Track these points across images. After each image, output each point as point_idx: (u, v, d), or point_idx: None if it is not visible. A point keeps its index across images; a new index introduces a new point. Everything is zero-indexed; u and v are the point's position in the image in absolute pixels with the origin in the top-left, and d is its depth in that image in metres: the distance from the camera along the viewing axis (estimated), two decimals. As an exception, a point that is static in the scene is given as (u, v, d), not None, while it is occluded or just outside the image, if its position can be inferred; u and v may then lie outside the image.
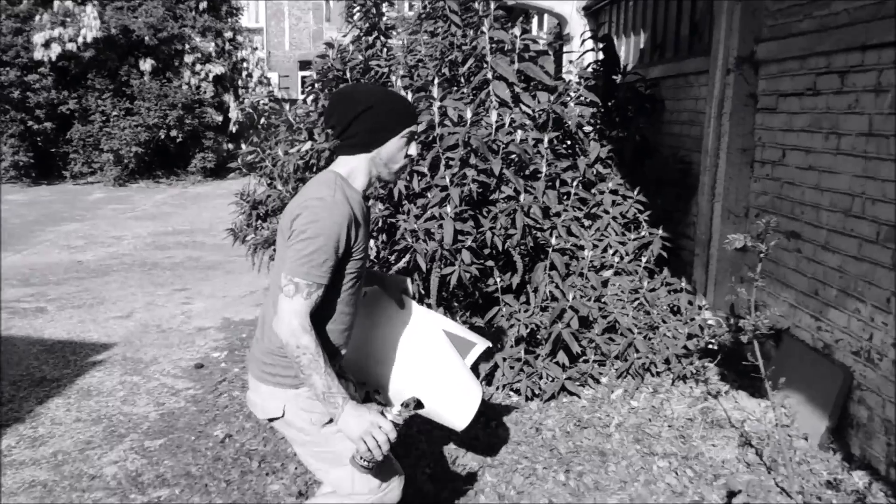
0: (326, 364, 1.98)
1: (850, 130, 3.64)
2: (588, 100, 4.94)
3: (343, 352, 2.24)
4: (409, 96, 4.11)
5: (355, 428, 1.98)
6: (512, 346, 4.25)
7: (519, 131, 4.16)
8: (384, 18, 5.12)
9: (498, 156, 4.00)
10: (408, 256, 4.13)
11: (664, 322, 4.69)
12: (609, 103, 6.42)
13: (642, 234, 5.14)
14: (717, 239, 5.02)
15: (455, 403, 2.42)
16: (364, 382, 2.55)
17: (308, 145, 4.64)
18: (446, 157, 4.06)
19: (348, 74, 4.83)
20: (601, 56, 6.90)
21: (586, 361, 4.49)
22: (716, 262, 5.04)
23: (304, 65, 28.29)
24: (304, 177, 4.75)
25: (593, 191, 5.42)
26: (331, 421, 2.11)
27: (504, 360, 4.23)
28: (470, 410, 2.40)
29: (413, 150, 2.22)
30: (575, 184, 4.70)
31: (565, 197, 4.69)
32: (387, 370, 2.47)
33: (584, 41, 8.07)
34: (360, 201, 2.14)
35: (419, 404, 2.30)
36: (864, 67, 3.51)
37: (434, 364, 2.47)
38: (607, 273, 4.83)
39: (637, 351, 4.49)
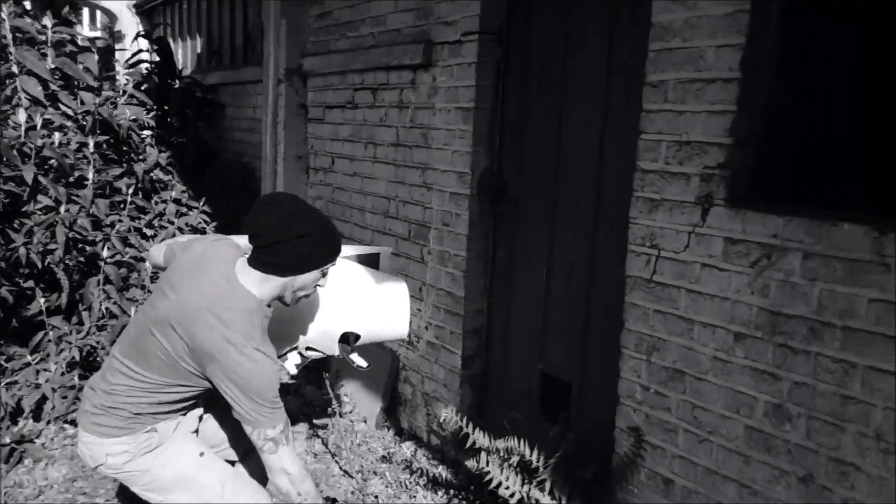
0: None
1: (383, 141, 4.14)
2: (140, 101, 4.68)
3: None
4: None
5: None
6: (63, 374, 3.81)
7: (57, 134, 3.75)
8: None
9: (31, 161, 3.54)
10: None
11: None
12: (166, 107, 6.20)
13: (208, 240, 5.08)
14: (281, 242, 5.23)
15: (388, 313, 2.44)
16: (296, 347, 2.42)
17: None
18: (-39, 160, 3.44)
19: None
20: (157, 58, 6.61)
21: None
22: (281, 264, 5.24)
23: None
24: None
25: (155, 199, 5.18)
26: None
27: (54, 389, 3.76)
28: (404, 313, 2.46)
29: (325, 280, 2.15)
30: (131, 191, 4.42)
31: (121, 206, 4.38)
32: (314, 322, 2.36)
33: (135, 40, 7.60)
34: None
35: (356, 337, 2.31)
36: (390, 86, 4.03)
37: (349, 290, 2.40)
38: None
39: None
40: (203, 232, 5.20)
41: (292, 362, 2.39)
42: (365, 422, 4.09)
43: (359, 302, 2.49)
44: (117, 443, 2.14)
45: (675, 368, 2.39)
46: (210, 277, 2.03)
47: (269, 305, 2.10)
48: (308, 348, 2.45)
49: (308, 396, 4.38)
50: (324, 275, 2.13)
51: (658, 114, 2.39)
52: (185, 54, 7.70)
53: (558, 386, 3.15)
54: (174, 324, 1.99)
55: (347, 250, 2.62)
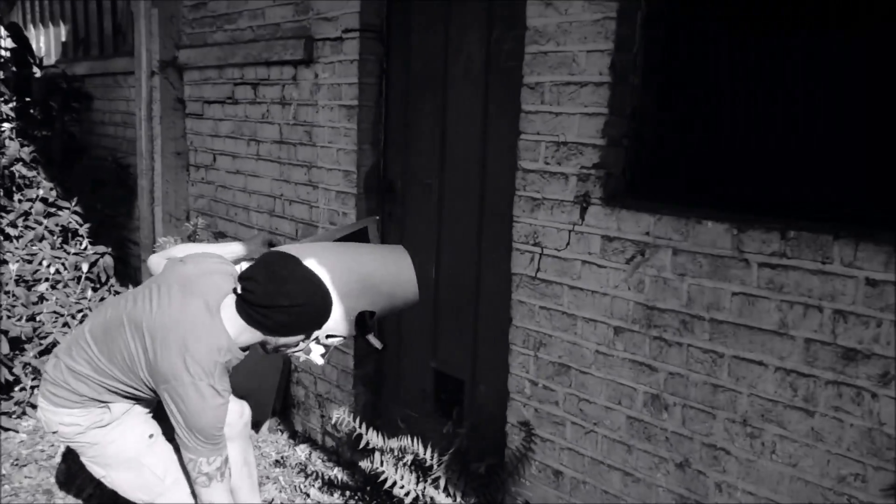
0: None
1: (267, 138, 4.01)
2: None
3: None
4: None
5: None
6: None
7: None
8: None
9: None
10: None
11: (113, 335, 4.47)
12: (27, 99, 5.75)
13: (84, 246, 4.80)
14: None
15: (396, 283, 2.43)
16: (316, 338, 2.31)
17: None
18: None
19: None
20: (11, 44, 6.10)
21: (23, 389, 4.01)
22: (163, 266, 5.01)
23: None
24: None
25: (18, 197, 4.82)
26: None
27: None
28: (411, 278, 2.45)
29: (306, 345, 2.17)
30: (-12, 192, 4.09)
31: (-23, 208, 4.04)
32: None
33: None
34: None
35: (371, 314, 2.32)
36: (271, 81, 3.90)
37: (354, 271, 2.38)
38: (41, 287, 4.37)
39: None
40: (76, 233, 4.89)
41: (317, 353, 2.36)
42: (257, 426, 3.99)
43: (367, 279, 2.45)
44: (69, 414, 2.18)
45: (560, 363, 2.47)
46: (195, 304, 2.02)
47: (244, 349, 2.08)
48: (328, 336, 2.41)
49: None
50: (307, 338, 2.12)
51: (536, 115, 2.44)
52: (48, 42, 7.16)
53: (451, 383, 3.19)
54: (146, 332, 2.01)
55: (334, 233, 2.70)
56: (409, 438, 2.84)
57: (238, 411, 2.61)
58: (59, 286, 4.55)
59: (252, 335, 2.03)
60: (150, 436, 2.28)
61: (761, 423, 1.95)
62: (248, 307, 1.98)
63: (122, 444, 2.24)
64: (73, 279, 4.67)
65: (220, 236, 4.35)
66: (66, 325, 4.30)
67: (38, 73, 5.93)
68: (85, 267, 4.67)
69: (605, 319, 2.31)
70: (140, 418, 2.29)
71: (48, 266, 4.55)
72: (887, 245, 1.68)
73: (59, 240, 4.80)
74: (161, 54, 4.72)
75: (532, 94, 2.43)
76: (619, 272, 2.26)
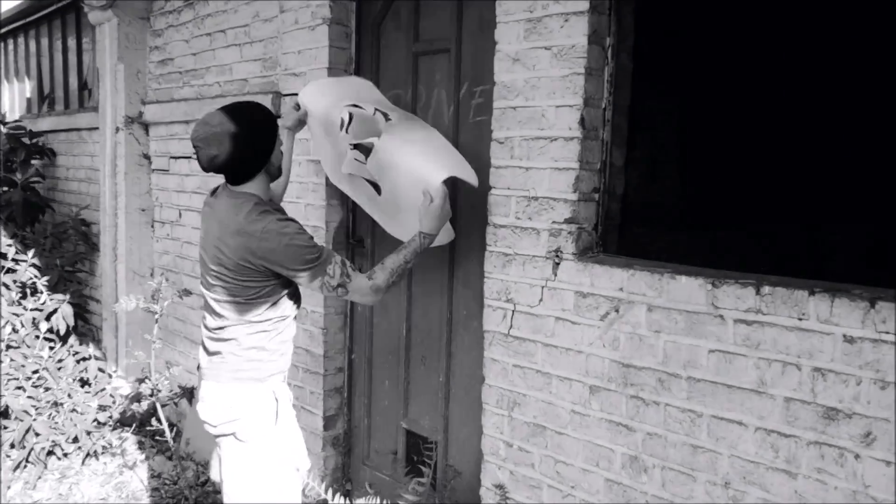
0: (398, 255, 2.28)
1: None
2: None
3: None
4: None
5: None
6: None
7: None
8: None
9: None
10: None
11: (70, 397, 4.29)
12: (-11, 155, 5.64)
13: (42, 300, 4.64)
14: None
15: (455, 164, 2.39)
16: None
17: None
18: None
19: None
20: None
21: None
22: (125, 326, 4.86)
23: None
24: None
25: (-25, 255, 4.67)
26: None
27: None
28: (462, 161, 2.42)
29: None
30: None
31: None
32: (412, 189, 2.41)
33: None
34: None
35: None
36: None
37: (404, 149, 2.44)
38: (-5, 351, 4.19)
39: (37, 434, 3.98)
40: (35, 289, 4.72)
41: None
42: (218, 492, 3.81)
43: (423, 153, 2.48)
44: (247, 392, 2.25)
45: (536, 423, 2.39)
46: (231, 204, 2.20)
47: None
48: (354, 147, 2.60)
49: (156, 468, 4.03)
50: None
51: (506, 169, 2.41)
52: (11, 98, 7.09)
53: (424, 443, 3.08)
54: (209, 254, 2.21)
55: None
56: (380, 504, 2.72)
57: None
58: (14, 345, 4.38)
59: (255, 185, 2.20)
60: (297, 469, 2.34)
61: (744, 486, 1.88)
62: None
63: (272, 456, 2.25)
64: (29, 335, 4.49)
65: (185, 294, 4.23)
66: (19, 388, 4.12)
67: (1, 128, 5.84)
68: (43, 326, 4.50)
69: (581, 378, 2.25)
70: (297, 435, 2.39)
71: (4, 325, 4.38)
72: (862, 301, 1.65)
73: (18, 296, 4.64)
74: (126, 110, 4.67)
75: (501, 149, 2.41)
76: (593, 329, 2.20)
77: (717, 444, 1.93)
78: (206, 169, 2.14)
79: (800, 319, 1.75)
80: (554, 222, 2.29)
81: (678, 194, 3.79)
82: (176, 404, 4.38)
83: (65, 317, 4.59)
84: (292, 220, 2.17)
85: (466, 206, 2.77)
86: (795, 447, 1.78)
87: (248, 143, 2.12)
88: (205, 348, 2.34)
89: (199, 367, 2.40)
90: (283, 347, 2.32)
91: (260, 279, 2.15)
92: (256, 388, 2.27)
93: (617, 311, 2.14)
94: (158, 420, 3.23)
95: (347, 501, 2.81)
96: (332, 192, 3.26)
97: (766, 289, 1.81)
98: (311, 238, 2.14)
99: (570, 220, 2.25)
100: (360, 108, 2.63)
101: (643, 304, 2.08)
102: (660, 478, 2.06)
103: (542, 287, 2.34)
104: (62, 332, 4.59)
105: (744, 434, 1.87)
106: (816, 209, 4.29)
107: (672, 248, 2.62)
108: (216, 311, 2.25)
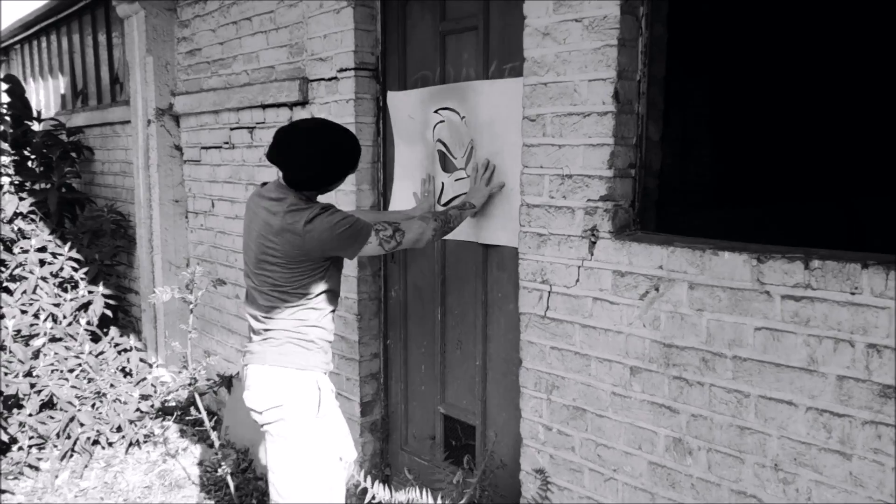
0: (448, 213, 2.47)
1: (264, 182, 3.94)
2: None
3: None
4: None
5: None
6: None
7: None
8: None
9: None
10: None
11: (113, 387, 4.36)
12: (25, 151, 5.74)
13: (80, 293, 4.72)
14: (162, 292, 4.91)
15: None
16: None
17: None
18: None
19: None
20: (6, 98, 6.12)
21: (21, 449, 3.89)
22: (164, 316, 4.92)
23: None
24: None
25: (16, 250, 4.76)
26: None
27: None
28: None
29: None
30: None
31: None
32: None
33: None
34: None
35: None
36: (267, 125, 3.85)
37: None
38: (38, 342, 4.27)
39: (81, 425, 4.06)
40: (72, 280, 4.80)
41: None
42: (261, 478, 3.84)
43: None
44: (292, 382, 2.30)
45: (575, 406, 2.34)
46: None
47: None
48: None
49: (197, 456, 4.08)
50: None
51: (538, 147, 2.35)
52: (47, 95, 7.19)
53: (462, 428, 3.05)
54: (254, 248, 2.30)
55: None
56: (418, 491, 2.70)
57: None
58: (57, 336, 4.45)
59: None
60: (340, 458, 2.40)
61: (794, 468, 1.81)
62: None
63: (316, 445, 2.31)
64: (70, 324, 4.57)
65: (220, 283, 4.25)
66: (62, 378, 4.19)
67: (36, 125, 5.93)
68: (83, 319, 4.58)
69: (621, 359, 2.19)
70: (342, 425, 2.43)
71: (45, 319, 4.46)
72: (920, 272, 1.57)
73: (57, 289, 4.72)
74: (157, 102, 4.69)
75: (533, 127, 2.35)
76: (632, 309, 2.14)
77: (766, 424, 1.86)
78: (287, 181, 2.25)
79: (852, 294, 1.67)
80: (589, 200, 2.22)
81: (710, 171, 3.69)
82: (215, 392, 4.42)
83: (99, 307, 4.66)
84: (332, 207, 2.25)
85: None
86: (850, 427, 1.70)
87: (333, 169, 2.29)
88: (253, 330, 2.40)
89: (244, 354, 2.43)
90: (323, 342, 2.37)
91: (308, 266, 2.24)
92: (300, 376, 2.32)
93: (657, 289, 2.07)
94: (197, 409, 3.26)
95: (386, 488, 2.80)
96: (362, 177, 3.22)
97: (815, 263, 1.73)
98: (352, 217, 2.24)
99: (605, 198, 2.18)
100: (452, 110, 2.81)
101: (684, 282, 2.01)
102: (705, 460, 2.00)
103: (579, 267, 2.28)
104: (95, 322, 4.66)
105: (794, 414, 1.80)
106: (851, 184, 4.16)
107: (706, 226, 2.54)
108: (263, 296, 2.31)
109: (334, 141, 2.28)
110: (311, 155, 2.23)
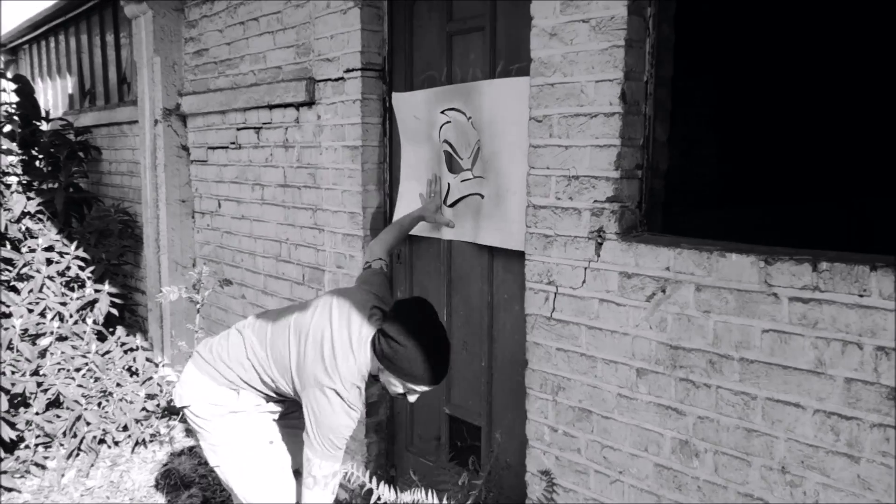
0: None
1: (271, 182, 3.95)
2: (4, 147, 4.31)
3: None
4: None
5: None
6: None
7: None
8: None
9: None
10: None
11: (119, 386, 4.37)
12: (34, 151, 5.76)
13: (87, 292, 4.73)
14: (168, 291, 4.92)
15: None
16: None
17: None
18: None
19: None
20: (15, 98, 6.15)
21: (27, 447, 3.90)
22: (170, 316, 4.93)
23: None
24: None
25: (23, 249, 4.78)
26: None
27: None
28: None
29: (412, 397, 2.22)
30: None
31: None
32: None
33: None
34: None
35: None
36: (274, 125, 3.85)
37: None
38: (45, 341, 4.29)
39: (88, 424, 4.07)
40: (78, 279, 4.81)
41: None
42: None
43: None
44: (216, 392, 2.36)
45: (581, 408, 2.33)
46: (350, 330, 2.20)
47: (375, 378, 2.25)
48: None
49: (202, 456, 4.08)
50: (407, 392, 2.20)
51: (545, 149, 2.34)
52: (55, 94, 7.22)
53: (467, 429, 3.05)
54: (307, 338, 2.22)
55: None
56: (423, 491, 2.70)
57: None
58: (63, 334, 4.47)
59: (375, 366, 2.17)
60: (271, 442, 2.46)
61: (802, 470, 1.80)
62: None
63: (243, 439, 2.39)
64: (76, 323, 4.58)
65: (226, 283, 4.27)
66: (69, 378, 4.20)
67: (44, 125, 5.95)
68: (90, 320, 4.59)
69: (627, 361, 2.18)
70: (266, 421, 2.47)
71: (52, 318, 4.48)
72: (929, 274, 1.55)
73: (63, 289, 4.74)
74: (164, 102, 4.71)
75: (540, 128, 2.35)
76: (639, 310, 2.13)
77: (773, 427, 1.85)
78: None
79: (860, 296, 1.66)
80: (596, 201, 2.22)
81: (712, 171, 3.68)
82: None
83: (105, 306, 4.67)
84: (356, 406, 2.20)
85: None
86: (858, 430, 1.69)
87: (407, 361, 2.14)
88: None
89: None
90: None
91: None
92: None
93: (664, 291, 2.07)
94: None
95: (392, 489, 2.80)
96: (369, 177, 3.23)
97: (823, 265, 1.72)
98: (347, 432, 2.20)
99: (612, 199, 2.18)
100: (458, 111, 2.80)
101: (691, 284, 2.00)
102: (712, 463, 1.99)
103: (585, 268, 2.27)
104: (101, 321, 4.67)
105: (801, 417, 1.79)
106: (857, 184, 4.14)
107: (706, 226, 2.53)
108: (264, 347, 2.36)
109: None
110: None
